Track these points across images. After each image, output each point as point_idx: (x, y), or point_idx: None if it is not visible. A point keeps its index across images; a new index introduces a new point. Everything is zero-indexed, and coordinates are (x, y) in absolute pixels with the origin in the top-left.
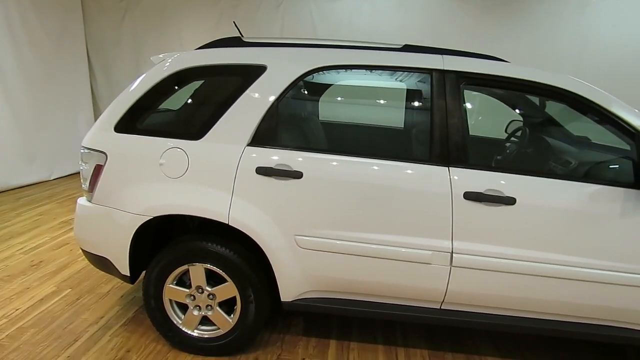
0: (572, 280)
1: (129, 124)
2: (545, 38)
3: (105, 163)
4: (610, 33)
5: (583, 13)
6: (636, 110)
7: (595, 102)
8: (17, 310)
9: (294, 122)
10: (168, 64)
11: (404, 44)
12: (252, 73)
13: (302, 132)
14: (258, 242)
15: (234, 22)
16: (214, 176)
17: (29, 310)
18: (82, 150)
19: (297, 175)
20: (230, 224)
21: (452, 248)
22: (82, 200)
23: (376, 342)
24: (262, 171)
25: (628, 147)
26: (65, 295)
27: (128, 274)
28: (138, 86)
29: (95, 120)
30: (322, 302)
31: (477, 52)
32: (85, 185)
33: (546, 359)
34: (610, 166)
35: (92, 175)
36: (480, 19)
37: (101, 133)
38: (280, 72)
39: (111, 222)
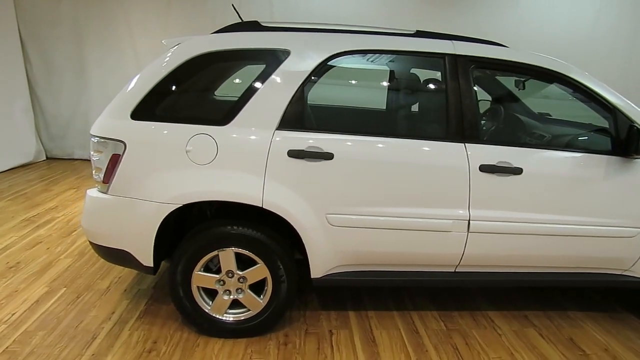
0: (567, 237)
1: (147, 110)
2: (487, 20)
3: (123, 152)
4: (542, 15)
5: (519, 2)
6: (612, 90)
7: (582, 83)
8: (13, 314)
9: (320, 105)
10: (185, 48)
11: (415, 29)
12: (276, 58)
13: (329, 114)
14: (292, 223)
15: (232, 5)
16: (246, 161)
17: (27, 314)
18: (93, 140)
19: (329, 156)
20: (264, 207)
21: (470, 216)
22: (93, 192)
23: (390, 309)
24: (294, 154)
25: (588, 121)
26: (63, 295)
27: (152, 265)
28: (154, 71)
29: (34, 107)
30: (348, 275)
31: (478, 38)
32: (99, 176)
33: (534, 306)
34: (592, 137)
35: (107, 166)
36: (432, 3)
37: (116, 121)
38: (304, 56)
39: (133, 213)
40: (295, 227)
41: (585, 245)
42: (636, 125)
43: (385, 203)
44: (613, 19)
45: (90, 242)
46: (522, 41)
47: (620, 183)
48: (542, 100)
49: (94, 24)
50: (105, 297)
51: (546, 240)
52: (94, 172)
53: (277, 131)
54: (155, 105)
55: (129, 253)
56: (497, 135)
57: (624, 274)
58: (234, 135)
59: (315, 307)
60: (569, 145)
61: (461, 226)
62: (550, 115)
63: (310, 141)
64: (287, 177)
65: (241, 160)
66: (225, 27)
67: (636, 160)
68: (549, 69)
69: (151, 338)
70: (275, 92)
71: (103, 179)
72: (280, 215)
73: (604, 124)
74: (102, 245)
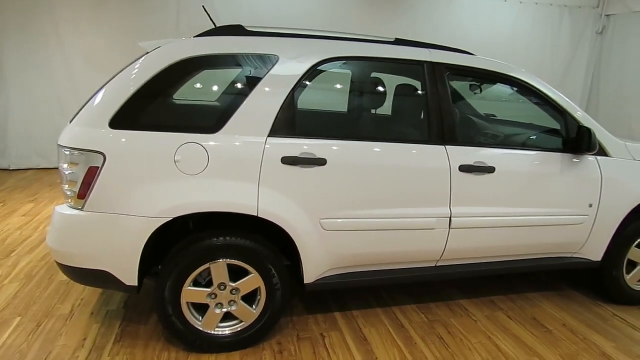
0: (531, 227)
1: (128, 118)
2: (423, 25)
3: (103, 164)
4: (469, 20)
5: (449, 5)
6: (562, 95)
7: (538, 89)
8: None
9: (310, 111)
10: (167, 51)
11: (394, 37)
12: (265, 63)
13: (319, 120)
14: (287, 230)
15: (202, 6)
16: (239, 169)
17: None
18: (65, 152)
19: (322, 162)
20: (259, 215)
21: (451, 213)
22: (62, 209)
23: (372, 307)
24: (288, 160)
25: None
26: (19, 325)
27: (136, 284)
28: (134, 75)
29: None
30: (339, 278)
31: (448, 46)
32: (72, 191)
33: (498, 292)
34: (547, 136)
35: (83, 180)
36: (375, 6)
37: (91, 130)
38: (292, 62)
39: (115, 230)
40: (290, 234)
41: (545, 233)
42: (584, 126)
43: (376, 205)
44: (529, 23)
45: (60, 264)
46: (454, 42)
47: (571, 177)
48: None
49: (13, 20)
50: (71, 323)
51: (514, 231)
52: (66, 186)
53: (268, 138)
54: (137, 113)
55: (109, 273)
56: (471, 137)
57: (574, 256)
58: (226, 143)
59: (301, 312)
60: (530, 145)
61: (444, 223)
62: (495, 116)
63: (304, 147)
64: (281, 184)
65: (234, 169)
66: (208, 30)
67: (584, 156)
68: (514, 77)
69: None
70: (265, 98)
71: (78, 194)
72: (276, 223)
73: (548, 123)
74: (74, 267)
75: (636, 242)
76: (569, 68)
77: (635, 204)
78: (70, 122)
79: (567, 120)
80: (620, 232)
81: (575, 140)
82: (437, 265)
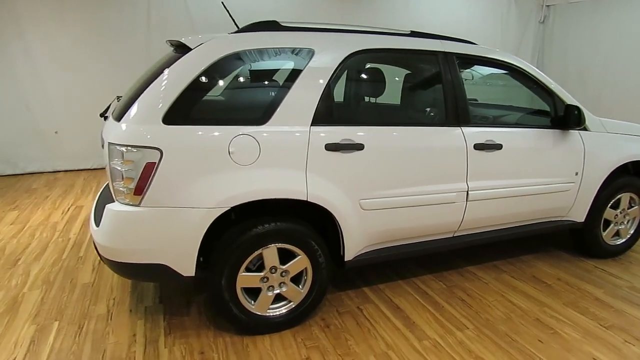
0: (532, 195)
1: (180, 114)
2: (386, 16)
3: (160, 160)
4: (430, 13)
5: (409, 3)
6: (550, 79)
7: (532, 74)
8: None
9: (346, 100)
10: (212, 47)
11: (409, 30)
12: (302, 57)
13: (354, 108)
14: (332, 212)
15: (222, 2)
16: (288, 158)
17: (31, 357)
18: (122, 149)
19: (360, 147)
20: (309, 200)
21: (468, 188)
22: (117, 206)
23: (394, 280)
24: (331, 147)
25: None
26: (60, 329)
27: (193, 274)
28: (182, 73)
29: None
30: (372, 254)
31: (453, 36)
32: (128, 188)
33: (498, 257)
34: (539, 115)
35: (141, 176)
36: (342, 1)
37: (146, 127)
38: (327, 55)
39: (175, 223)
40: (335, 215)
41: (542, 200)
42: (572, 104)
43: (406, 184)
44: (481, 14)
45: (112, 262)
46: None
47: (562, 149)
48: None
49: None
50: (113, 322)
51: (518, 200)
52: (122, 183)
53: (312, 127)
54: (189, 108)
55: (167, 266)
56: (479, 118)
57: (563, 219)
58: (275, 134)
59: (332, 290)
60: (528, 123)
61: (462, 197)
62: (477, 100)
63: (344, 134)
64: (325, 169)
65: (283, 158)
66: (246, 26)
67: (570, 131)
68: (511, 63)
69: (195, 350)
70: (306, 90)
71: (135, 190)
72: (323, 206)
73: (540, 104)
74: (130, 263)
75: (610, 203)
76: (517, 55)
77: (611, 171)
78: (119, 120)
79: (555, 100)
80: (598, 195)
81: (564, 117)
82: (454, 235)
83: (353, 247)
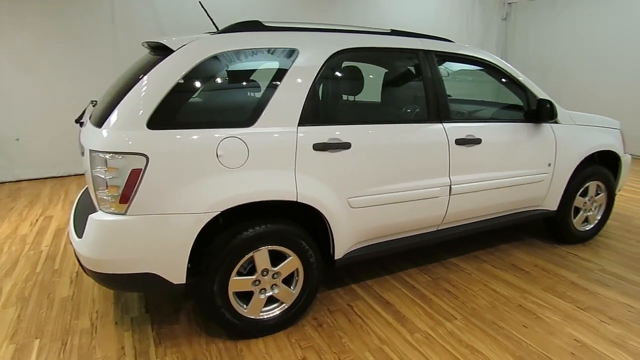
0: (510, 187)
1: (165, 118)
2: (356, 15)
3: (146, 166)
4: (399, 11)
5: (379, 1)
6: (522, 74)
7: (506, 70)
8: None
9: (331, 99)
10: (195, 49)
11: (390, 29)
12: (287, 57)
13: (339, 107)
14: (322, 212)
15: (199, 2)
16: (277, 159)
17: None
18: (106, 157)
19: (347, 146)
20: (299, 200)
21: (450, 182)
22: (102, 216)
23: (381, 275)
24: (319, 147)
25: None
26: (42, 347)
27: (184, 282)
28: (165, 75)
29: None
30: (361, 251)
31: (429, 34)
32: (113, 197)
33: (477, 248)
34: (513, 110)
35: (126, 183)
36: (312, 1)
37: (129, 132)
38: (311, 54)
39: (164, 230)
40: (324, 214)
41: (519, 191)
42: (544, 98)
43: (392, 180)
44: (447, 12)
45: (96, 274)
46: None
47: (535, 142)
48: None
49: None
50: (98, 335)
51: (497, 192)
52: (106, 191)
53: (299, 127)
54: (174, 112)
55: (156, 275)
56: (458, 114)
57: (537, 208)
58: (262, 136)
59: (321, 289)
60: (504, 118)
61: (445, 191)
62: (450, 96)
63: (331, 133)
64: (314, 169)
65: (272, 159)
66: (229, 26)
67: (543, 124)
68: (487, 60)
69: (188, 358)
70: (292, 90)
71: (120, 199)
72: (312, 206)
73: (514, 99)
74: (116, 274)
75: (579, 192)
76: None
77: (580, 161)
78: (100, 126)
79: (527, 95)
80: (569, 185)
81: (537, 111)
82: (438, 229)
83: (342, 245)
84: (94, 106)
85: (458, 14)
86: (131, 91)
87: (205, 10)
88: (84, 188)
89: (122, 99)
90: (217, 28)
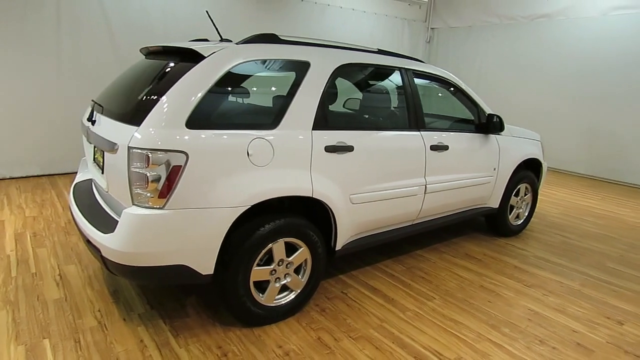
0: (468, 187)
1: (201, 118)
2: (302, 29)
3: (185, 163)
4: (340, 28)
5: (324, 13)
6: (474, 93)
7: (464, 89)
8: None
9: (336, 107)
10: (226, 56)
11: (377, 48)
12: (302, 68)
13: (342, 115)
14: (330, 207)
15: (206, 11)
16: (297, 159)
17: None
18: (147, 153)
19: (351, 148)
20: (314, 196)
21: (426, 182)
22: (139, 210)
23: (362, 266)
24: (330, 149)
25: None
26: (55, 346)
27: (212, 273)
28: (199, 79)
29: None
30: (355, 242)
31: (405, 55)
32: (152, 191)
33: (434, 241)
34: (469, 122)
35: (167, 179)
36: (260, 9)
37: (170, 131)
38: (320, 67)
39: (199, 223)
40: (332, 209)
41: (473, 191)
42: (493, 113)
43: (384, 179)
44: (381, 31)
45: (130, 268)
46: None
47: (484, 150)
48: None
49: None
50: (111, 332)
51: (458, 191)
52: (146, 187)
53: (313, 131)
54: (210, 113)
55: (187, 266)
56: (429, 124)
57: (484, 206)
58: (285, 137)
59: None
60: (462, 129)
61: (422, 190)
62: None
63: (339, 137)
64: (325, 169)
65: (293, 159)
66: (249, 37)
67: (490, 135)
68: (448, 79)
69: (212, 345)
70: (307, 97)
71: (159, 194)
72: (324, 201)
73: (468, 114)
74: (150, 267)
75: (514, 192)
76: None
77: (516, 166)
78: (131, 124)
79: (479, 110)
80: (508, 186)
81: (487, 124)
82: (413, 223)
83: (343, 237)
84: (96, 105)
85: (390, 34)
86: (169, 92)
87: (212, 19)
88: (72, 186)
89: (154, 99)
90: (220, 37)
